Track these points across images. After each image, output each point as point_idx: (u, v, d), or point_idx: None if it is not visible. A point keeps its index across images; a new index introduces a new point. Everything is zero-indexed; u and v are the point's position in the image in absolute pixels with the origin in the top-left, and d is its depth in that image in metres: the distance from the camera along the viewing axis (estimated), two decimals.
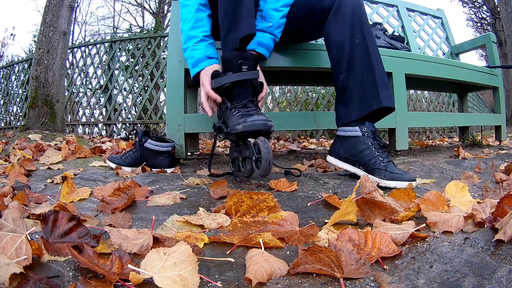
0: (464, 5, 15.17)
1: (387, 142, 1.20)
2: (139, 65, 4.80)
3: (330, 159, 1.26)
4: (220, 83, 1.10)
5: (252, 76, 1.09)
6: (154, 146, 1.40)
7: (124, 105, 4.97)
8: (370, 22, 2.29)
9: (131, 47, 4.92)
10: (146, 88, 4.88)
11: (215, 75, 1.13)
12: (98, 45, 5.03)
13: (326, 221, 0.74)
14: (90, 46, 5.07)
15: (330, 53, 1.27)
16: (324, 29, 1.28)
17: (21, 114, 5.62)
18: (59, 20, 3.38)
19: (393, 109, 1.20)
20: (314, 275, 0.51)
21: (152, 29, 9.46)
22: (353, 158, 1.16)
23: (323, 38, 1.34)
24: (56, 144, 2.33)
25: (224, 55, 1.12)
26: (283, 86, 5.18)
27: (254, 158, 1.02)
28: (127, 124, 4.78)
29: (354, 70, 1.20)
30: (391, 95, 1.21)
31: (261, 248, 0.59)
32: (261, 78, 1.19)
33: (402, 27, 2.44)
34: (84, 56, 5.09)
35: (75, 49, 5.15)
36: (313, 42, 1.61)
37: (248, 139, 1.07)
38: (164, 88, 4.51)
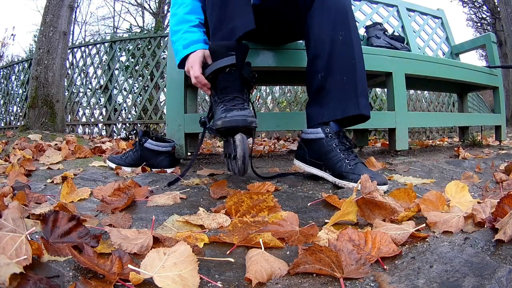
0: (464, 5, 15.18)
1: (355, 142, 1.13)
2: (139, 65, 4.80)
3: (296, 163, 1.19)
4: (205, 74, 1.05)
5: (227, 62, 1.00)
6: (154, 146, 1.40)
7: (124, 105, 4.97)
8: (370, 22, 2.30)
9: (131, 47, 4.92)
10: (146, 88, 4.88)
11: (204, 66, 1.07)
12: (98, 45, 5.03)
13: (326, 221, 0.74)
14: (90, 46, 5.07)
15: (308, 49, 1.19)
16: (305, 24, 1.18)
17: (21, 114, 5.62)
18: (59, 20, 3.38)
19: (368, 118, 1.13)
20: (314, 275, 0.51)
21: (152, 29, 9.48)
22: (319, 162, 1.09)
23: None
24: (56, 144, 2.33)
25: (211, 45, 1.05)
26: (283, 86, 5.19)
27: (232, 155, 0.99)
28: (127, 124, 4.78)
29: (334, 69, 1.11)
30: (369, 103, 1.14)
31: (261, 248, 0.59)
32: None
33: (402, 27, 2.44)
34: (84, 56, 5.09)
35: (75, 49, 5.15)
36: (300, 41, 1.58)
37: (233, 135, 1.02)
38: (164, 88, 4.51)
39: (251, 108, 1.08)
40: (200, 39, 1.13)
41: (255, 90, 5.25)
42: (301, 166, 1.16)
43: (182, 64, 1.16)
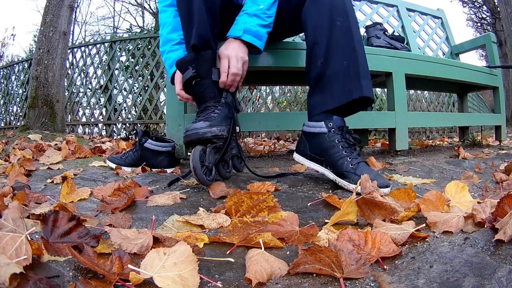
0: (464, 5, 15.18)
1: (358, 137, 1.10)
2: (139, 65, 4.80)
3: (296, 156, 1.16)
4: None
5: (187, 76, 1.06)
6: (154, 146, 1.40)
7: (124, 105, 4.97)
8: (370, 22, 2.30)
9: (131, 47, 4.92)
10: (146, 88, 4.88)
11: None
12: (98, 45, 5.03)
13: (326, 221, 0.74)
14: (90, 46, 5.07)
15: (307, 38, 1.16)
16: (302, 16, 1.17)
17: (21, 114, 5.62)
18: (59, 20, 3.38)
19: (372, 100, 1.10)
20: (314, 275, 0.51)
21: (152, 29, 9.47)
22: (320, 157, 1.06)
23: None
24: (56, 144, 2.33)
25: (176, 62, 1.11)
26: (283, 86, 5.19)
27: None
28: (127, 124, 4.78)
29: (334, 55, 1.09)
30: (371, 85, 1.10)
31: (261, 248, 0.59)
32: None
33: (402, 27, 2.44)
34: (84, 56, 5.09)
35: (75, 49, 5.15)
36: (293, 41, 1.57)
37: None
38: (164, 88, 4.51)
39: (224, 112, 1.08)
40: (180, 57, 1.18)
41: (255, 90, 5.26)
42: (301, 160, 1.14)
43: (173, 79, 1.23)
